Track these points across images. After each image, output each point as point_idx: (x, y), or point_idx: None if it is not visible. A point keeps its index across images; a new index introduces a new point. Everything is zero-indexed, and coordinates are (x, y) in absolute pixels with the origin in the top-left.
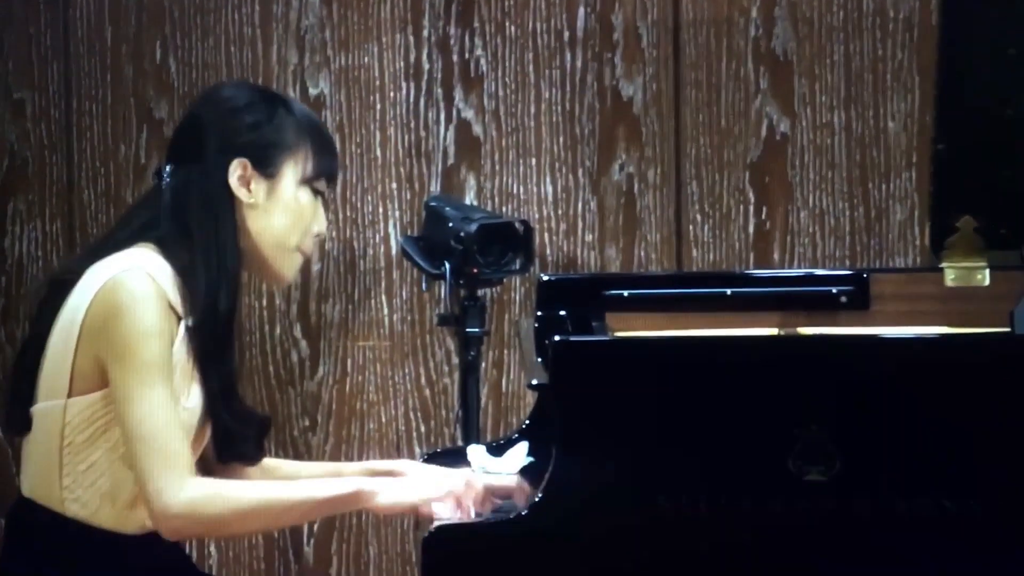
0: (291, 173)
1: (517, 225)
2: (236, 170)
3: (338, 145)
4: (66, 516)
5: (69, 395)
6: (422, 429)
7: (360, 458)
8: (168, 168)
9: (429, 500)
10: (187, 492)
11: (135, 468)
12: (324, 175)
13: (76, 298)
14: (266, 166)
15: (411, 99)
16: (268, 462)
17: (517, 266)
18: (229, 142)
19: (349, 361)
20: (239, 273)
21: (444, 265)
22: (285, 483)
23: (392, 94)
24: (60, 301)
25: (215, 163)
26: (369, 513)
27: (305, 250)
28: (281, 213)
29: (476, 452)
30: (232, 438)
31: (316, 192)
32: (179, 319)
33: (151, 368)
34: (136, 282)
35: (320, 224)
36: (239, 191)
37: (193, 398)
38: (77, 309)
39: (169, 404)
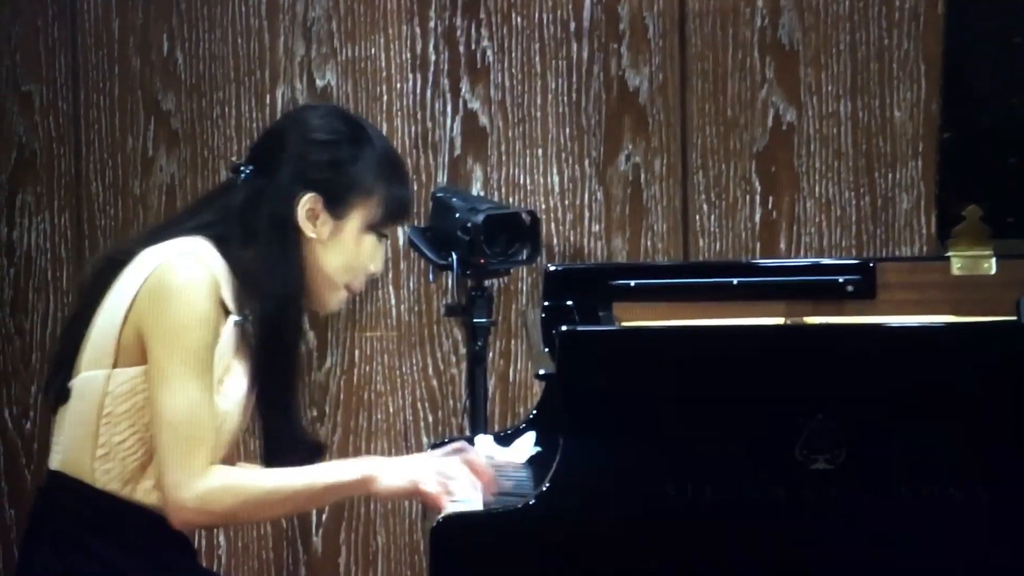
0: (359, 218)
1: (524, 215)
2: (306, 203)
3: None
4: (96, 488)
5: (114, 366)
6: (430, 419)
7: (368, 448)
8: (246, 170)
9: (432, 477)
10: (201, 485)
11: (157, 453)
12: (393, 223)
13: (130, 275)
14: (336, 207)
15: (418, 90)
16: None
17: (524, 256)
18: (305, 174)
19: (357, 352)
20: (301, 301)
21: (451, 256)
22: (294, 471)
23: (399, 85)
24: (111, 279)
25: (288, 190)
26: (377, 502)
27: (354, 288)
28: (339, 254)
29: (484, 442)
30: (282, 454)
31: (381, 236)
32: (227, 314)
33: (192, 355)
34: (191, 268)
35: (377, 264)
36: (304, 224)
37: (232, 395)
38: (129, 284)
39: (203, 395)
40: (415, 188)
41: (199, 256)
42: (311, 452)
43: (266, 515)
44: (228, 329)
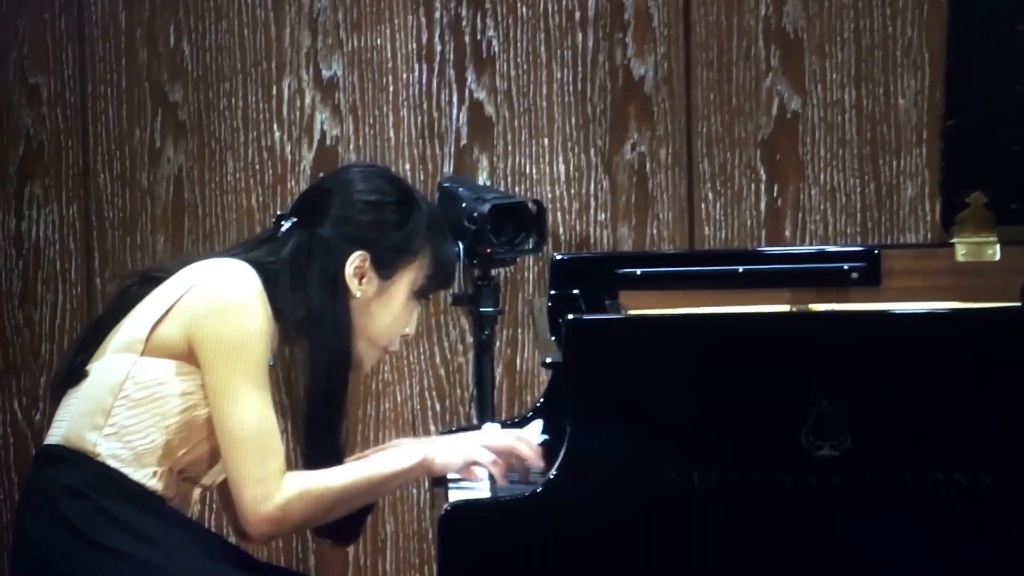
0: (407, 281)
1: (530, 205)
2: (355, 261)
3: (351, 127)
4: (98, 460)
5: (142, 354)
6: (437, 408)
7: (376, 438)
8: (288, 222)
9: (484, 452)
10: (280, 497)
11: (229, 470)
12: (438, 288)
13: (173, 282)
14: (384, 267)
15: (423, 80)
16: None
17: (530, 246)
18: (354, 233)
19: None
20: (351, 351)
21: (458, 245)
22: (359, 466)
23: (404, 75)
24: (145, 291)
25: (337, 246)
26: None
27: (391, 349)
28: (383, 315)
29: (491, 430)
30: (316, 444)
31: (423, 300)
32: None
33: (253, 368)
34: (248, 281)
35: (412, 327)
36: (351, 281)
37: None
38: (175, 287)
39: (267, 407)
40: (421, 178)
41: (249, 273)
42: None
43: (339, 513)
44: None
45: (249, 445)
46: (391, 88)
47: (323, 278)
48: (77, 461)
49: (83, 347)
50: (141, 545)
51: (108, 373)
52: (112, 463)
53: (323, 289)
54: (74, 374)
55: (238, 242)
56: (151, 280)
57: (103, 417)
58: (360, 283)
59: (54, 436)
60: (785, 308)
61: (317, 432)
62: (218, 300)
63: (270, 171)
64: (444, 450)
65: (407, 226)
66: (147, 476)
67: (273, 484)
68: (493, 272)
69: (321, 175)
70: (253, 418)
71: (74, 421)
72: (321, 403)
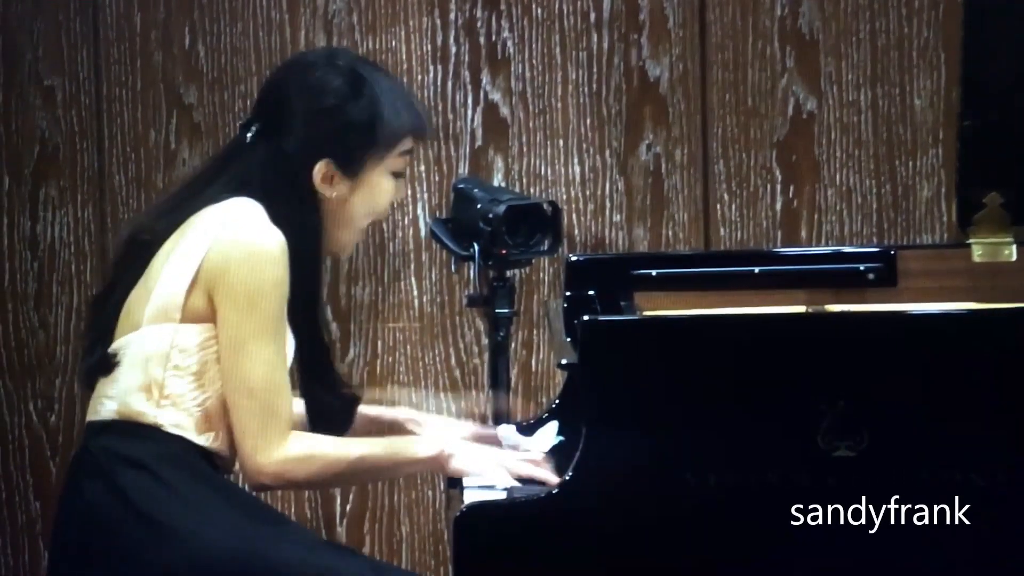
0: (378, 170)
1: (545, 206)
2: (321, 169)
3: None
4: (163, 430)
5: (180, 322)
6: (452, 409)
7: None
8: (254, 128)
9: (502, 474)
10: (282, 452)
11: (234, 420)
12: (408, 154)
13: (192, 238)
14: (349, 167)
15: (438, 82)
16: None
17: (545, 247)
18: (315, 142)
19: (379, 343)
20: (322, 254)
21: (473, 247)
22: (371, 442)
23: (419, 77)
24: (144, 258)
25: (300, 159)
26: (401, 492)
27: (380, 219)
28: (360, 203)
29: (507, 432)
30: (323, 412)
31: (397, 175)
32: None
33: (269, 321)
34: (266, 232)
35: (398, 193)
36: (321, 188)
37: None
38: (194, 248)
39: (280, 360)
40: (436, 179)
41: (267, 220)
42: (348, 403)
43: (342, 483)
44: None
45: (256, 396)
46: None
47: (292, 191)
48: (136, 433)
49: (99, 331)
50: (190, 514)
51: (151, 344)
52: (175, 431)
53: (293, 202)
54: (105, 363)
55: (211, 157)
56: (142, 244)
57: (157, 390)
58: (331, 186)
59: (105, 412)
60: (801, 309)
61: (304, 344)
62: (235, 252)
63: None
64: (464, 456)
65: (367, 122)
66: (209, 439)
67: (275, 438)
68: (508, 273)
69: (277, 67)
70: (262, 370)
71: (126, 396)
72: (298, 309)
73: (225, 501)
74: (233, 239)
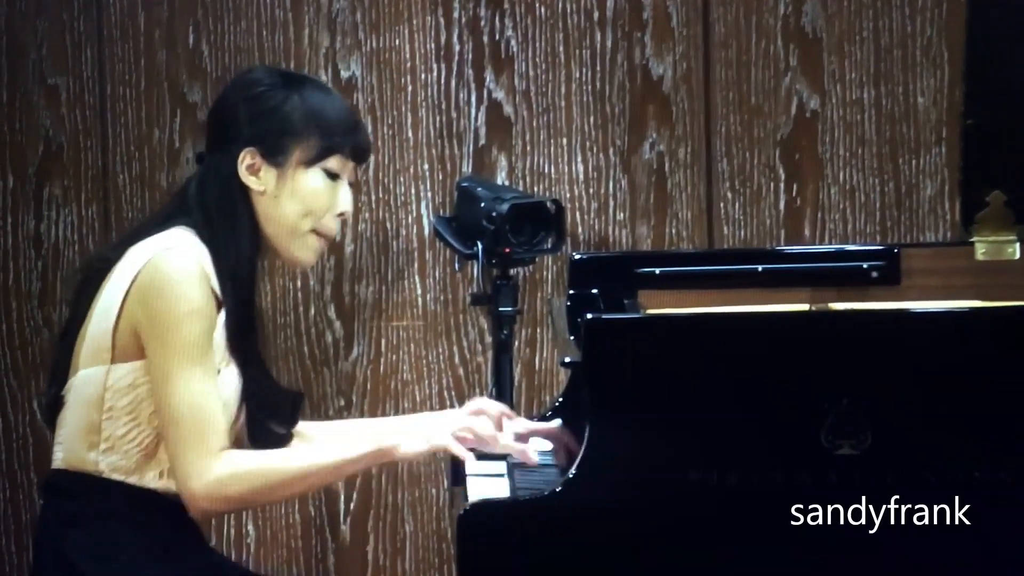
0: (299, 157)
1: (549, 204)
2: (244, 159)
3: (370, 127)
4: (103, 477)
5: (111, 362)
6: (456, 408)
7: None
8: (203, 154)
9: (445, 441)
10: (212, 473)
11: (166, 447)
12: (334, 155)
13: (117, 276)
14: (274, 154)
15: (442, 80)
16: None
17: (549, 245)
18: (238, 132)
19: (383, 341)
20: (255, 260)
21: (476, 245)
22: (307, 451)
23: (423, 76)
24: (96, 287)
25: (228, 153)
26: (405, 491)
27: (326, 232)
28: (290, 199)
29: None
30: (262, 422)
31: (331, 175)
32: (219, 303)
33: (190, 348)
34: (179, 260)
35: (344, 204)
36: (248, 179)
37: (231, 382)
38: (120, 282)
39: (204, 385)
40: (440, 178)
41: (185, 248)
42: (292, 403)
43: (280, 496)
44: (223, 318)
45: (180, 425)
46: (409, 88)
47: (221, 193)
48: (77, 487)
49: (56, 368)
50: (133, 571)
51: (86, 388)
52: (116, 476)
53: (223, 205)
54: (54, 403)
55: (171, 194)
56: (99, 270)
57: (96, 434)
58: (258, 177)
59: (56, 460)
60: (804, 307)
61: (237, 342)
62: (151, 284)
63: None
64: (408, 439)
65: (286, 105)
66: (153, 479)
67: (204, 462)
68: (512, 272)
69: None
70: (186, 399)
71: (70, 442)
72: (234, 317)
73: (163, 554)
74: (149, 272)
